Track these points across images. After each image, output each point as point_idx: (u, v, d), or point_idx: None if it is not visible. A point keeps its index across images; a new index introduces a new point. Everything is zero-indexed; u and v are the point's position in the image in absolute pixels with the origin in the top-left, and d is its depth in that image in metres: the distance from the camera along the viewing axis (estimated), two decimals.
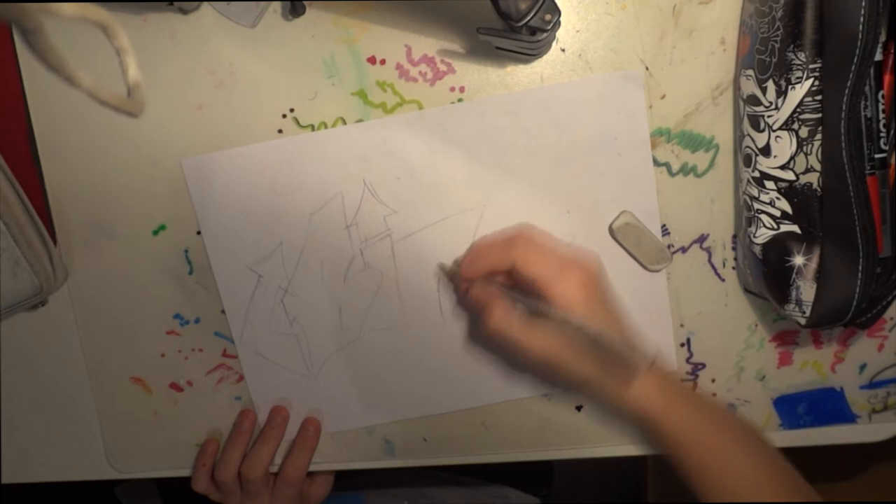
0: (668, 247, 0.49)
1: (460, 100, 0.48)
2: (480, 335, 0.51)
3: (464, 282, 0.47)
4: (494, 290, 0.45)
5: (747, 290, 0.50)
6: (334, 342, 0.52)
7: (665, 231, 0.49)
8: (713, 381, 0.52)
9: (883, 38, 0.38)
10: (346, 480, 0.73)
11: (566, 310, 0.41)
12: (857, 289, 0.40)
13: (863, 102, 0.38)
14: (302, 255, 0.50)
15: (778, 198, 0.42)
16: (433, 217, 0.49)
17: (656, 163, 0.48)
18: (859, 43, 0.37)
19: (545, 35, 0.40)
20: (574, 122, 0.47)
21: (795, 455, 0.49)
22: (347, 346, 0.52)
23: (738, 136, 0.46)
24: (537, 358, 0.43)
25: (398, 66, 0.47)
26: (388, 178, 0.49)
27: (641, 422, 0.43)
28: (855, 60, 0.37)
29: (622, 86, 0.47)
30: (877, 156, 0.40)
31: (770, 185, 0.43)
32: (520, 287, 0.44)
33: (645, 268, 0.49)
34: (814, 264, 0.42)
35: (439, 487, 0.77)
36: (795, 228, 0.42)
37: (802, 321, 0.43)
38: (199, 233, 0.51)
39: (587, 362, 0.42)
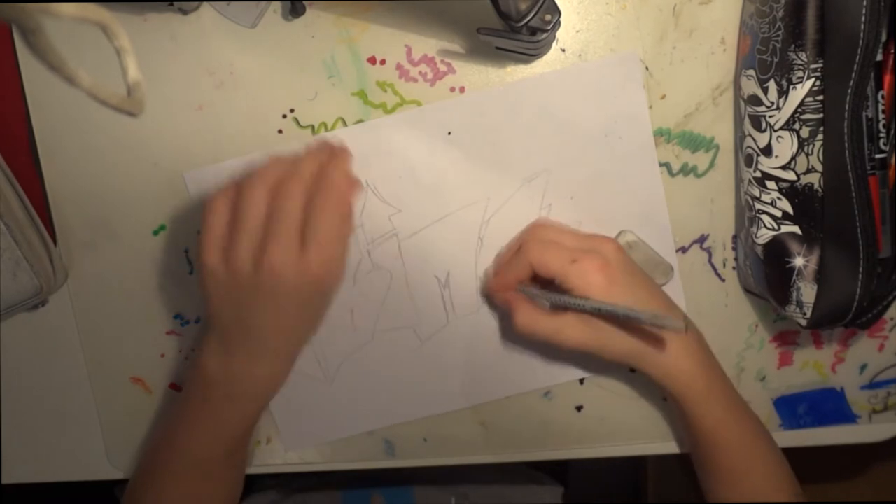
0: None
1: None
2: (487, 330, 0.51)
3: (491, 294, 0.49)
4: (513, 294, 0.46)
5: (748, 291, 0.50)
6: (348, 345, 0.52)
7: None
8: None
9: (883, 38, 0.38)
10: (393, 475, 0.72)
11: (591, 295, 0.41)
12: (858, 289, 0.40)
13: (864, 103, 0.39)
14: None
15: (779, 198, 0.42)
16: (438, 214, 0.49)
17: None
18: (861, 43, 0.37)
19: (545, 35, 0.40)
20: (573, 108, 0.47)
21: (796, 455, 0.49)
22: (361, 347, 0.52)
23: (739, 137, 0.46)
24: (573, 347, 0.43)
25: (398, 67, 0.47)
26: (391, 178, 0.49)
27: (673, 386, 0.45)
28: (857, 60, 0.37)
29: (620, 69, 0.47)
30: (877, 156, 0.40)
31: (771, 185, 0.43)
32: (550, 285, 0.44)
33: None
34: (814, 265, 0.42)
35: (480, 485, 0.75)
36: (796, 229, 0.42)
37: (803, 322, 0.43)
38: (198, 233, 0.51)
39: (625, 341, 0.43)
